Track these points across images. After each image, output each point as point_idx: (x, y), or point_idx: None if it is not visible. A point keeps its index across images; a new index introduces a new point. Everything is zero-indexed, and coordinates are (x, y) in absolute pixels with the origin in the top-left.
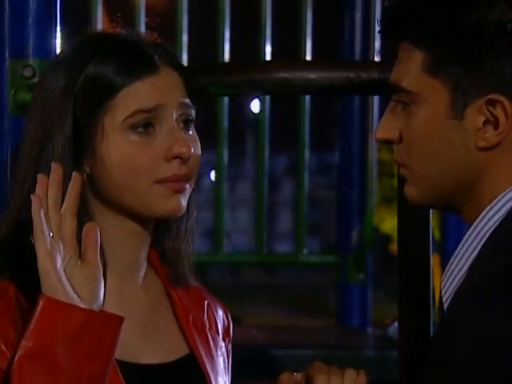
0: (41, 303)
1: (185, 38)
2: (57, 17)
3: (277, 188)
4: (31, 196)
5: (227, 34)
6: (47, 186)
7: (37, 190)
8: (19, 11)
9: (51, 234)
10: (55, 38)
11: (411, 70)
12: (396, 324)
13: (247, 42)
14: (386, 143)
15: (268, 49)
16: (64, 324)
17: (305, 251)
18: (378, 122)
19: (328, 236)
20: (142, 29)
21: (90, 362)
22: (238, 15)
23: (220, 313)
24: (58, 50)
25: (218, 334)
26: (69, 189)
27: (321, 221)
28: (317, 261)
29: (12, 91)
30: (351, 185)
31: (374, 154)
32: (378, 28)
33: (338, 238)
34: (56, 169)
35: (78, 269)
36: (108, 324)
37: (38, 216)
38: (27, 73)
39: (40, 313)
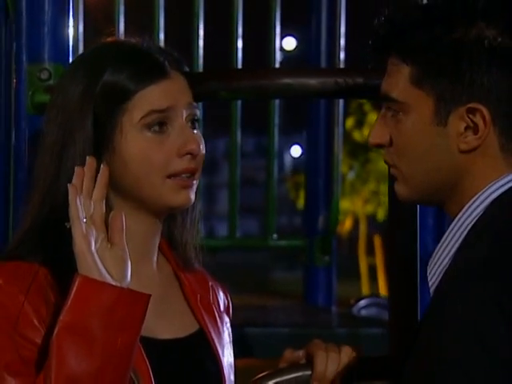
0: (77, 282)
1: (162, 36)
2: (70, 25)
3: (216, 171)
4: (68, 185)
5: (201, 32)
6: (82, 176)
7: (73, 180)
8: (36, 20)
9: (85, 220)
10: (69, 44)
11: (400, 82)
12: (359, 303)
13: (220, 40)
14: (378, 147)
15: (239, 45)
16: (98, 300)
17: (274, 236)
18: (343, 113)
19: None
20: (122, 27)
21: (121, 334)
22: (212, 14)
23: (221, 293)
24: (71, 56)
25: (221, 311)
26: (98, 180)
27: (260, 202)
28: (285, 244)
29: (29, 93)
30: (318, 173)
31: (339, 145)
32: (343, 30)
33: (306, 222)
34: (90, 162)
35: (109, 251)
36: (137, 300)
37: (75, 203)
38: (44, 76)
39: (76, 290)
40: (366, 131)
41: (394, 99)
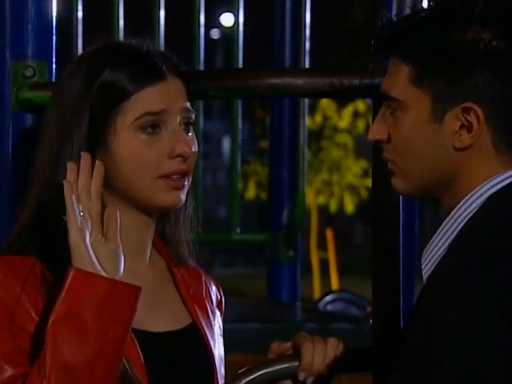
0: (71, 273)
1: (121, 23)
2: (53, 22)
3: None
4: (64, 181)
5: (162, 21)
6: (76, 172)
7: (68, 175)
8: (19, 18)
9: (81, 214)
10: (52, 41)
11: (399, 81)
12: (325, 299)
13: (182, 29)
14: (377, 143)
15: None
16: (91, 291)
17: (238, 230)
18: (308, 107)
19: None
20: (79, 14)
21: (113, 325)
22: (173, 2)
23: (214, 288)
24: (55, 53)
25: (213, 305)
26: (94, 175)
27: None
28: (249, 239)
29: (14, 89)
30: (282, 166)
31: (304, 136)
32: (308, 31)
33: (270, 217)
34: (85, 157)
35: (103, 245)
36: (128, 292)
37: (70, 198)
38: (28, 73)
39: (70, 282)
40: (318, 118)
41: (394, 98)
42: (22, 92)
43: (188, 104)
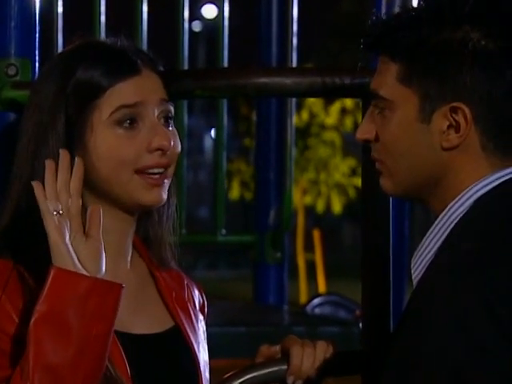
0: (52, 273)
1: (103, 19)
2: (36, 19)
3: None
4: (32, 183)
5: (145, 16)
6: (54, 169)
7: (46, 173)
8: (2, 15)
9: (61, 212)
10: (35, 39)
11: (388, 80)
12: (313, 302)
13: (164, 24)
14: (365, 142)
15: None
16: (73, 290)
17: (223, 231)
18: (296, 106)
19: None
20: (60, 10)
21: (96, 323)
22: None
23: (196, 292)
24: (38, 51)
25: (196, 309)
26: (73, 172)
27: None
28: (235, 240)
29: None
30: (268, 166)
31: (292, 135)
32: (295, 26)
33: (256, 217)
34: (64, 154)
35: (84, 244)
36: (111, 289)
37: (42, 198)
38: (11, 71)
39: (51, 281)
40: (304, 115)
41: (382, 96)
42: (4, 91)
43: (166, 97)
